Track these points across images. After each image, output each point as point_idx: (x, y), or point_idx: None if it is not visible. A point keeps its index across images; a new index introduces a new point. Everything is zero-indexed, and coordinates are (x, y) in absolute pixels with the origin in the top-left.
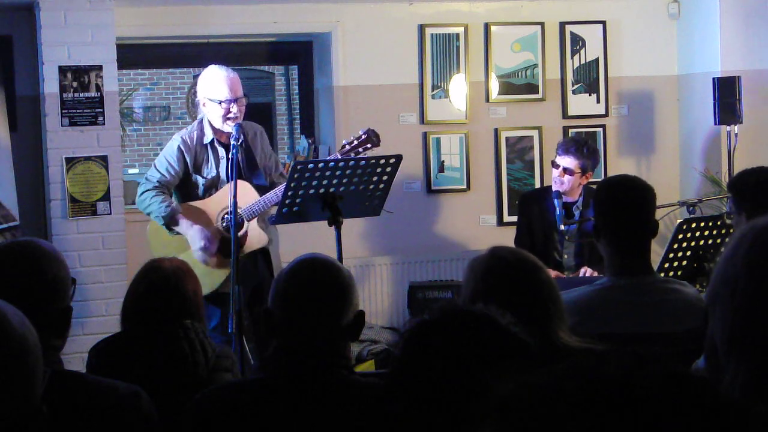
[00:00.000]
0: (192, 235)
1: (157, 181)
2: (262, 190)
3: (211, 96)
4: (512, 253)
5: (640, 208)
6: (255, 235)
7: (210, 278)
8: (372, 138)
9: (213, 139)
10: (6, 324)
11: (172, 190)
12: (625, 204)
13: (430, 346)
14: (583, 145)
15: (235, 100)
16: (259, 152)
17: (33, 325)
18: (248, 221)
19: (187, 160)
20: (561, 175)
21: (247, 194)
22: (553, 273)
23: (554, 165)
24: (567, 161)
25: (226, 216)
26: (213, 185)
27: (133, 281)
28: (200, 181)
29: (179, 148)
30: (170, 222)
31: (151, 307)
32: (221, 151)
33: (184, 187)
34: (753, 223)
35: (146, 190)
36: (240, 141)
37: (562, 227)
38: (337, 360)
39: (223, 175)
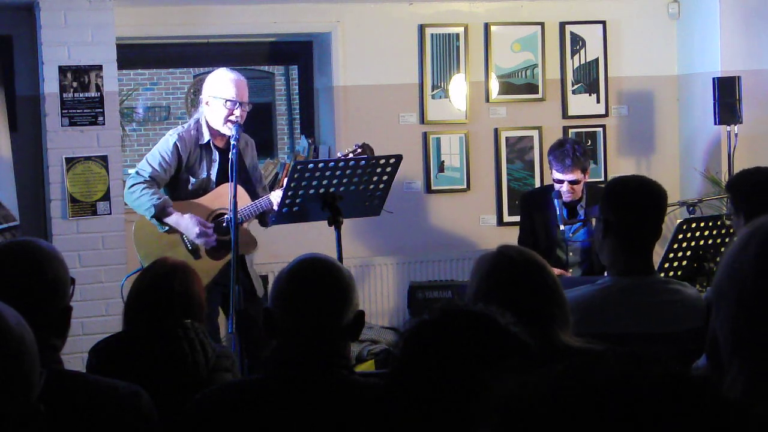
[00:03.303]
0: (185, 224)
1: (149, 176)
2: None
3: (217, 94)
4: (519, 252)
5: (656, 212)
6: (244, 239)
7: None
8: (367, 152)
9: (209, 141)
10: (3, 324)
11: (162, 186)
12: (642, 205)
13: (430, 346)
14: (575, 152)
15: (240, 104)
16: (248, 161)
17: (32, 325)
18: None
19: (182, 157)
20: (570, 189)
21: (240, 197)
22: (557, 271)
23: (558, 182)
24: (572, 176)
25: (225, 216)
26: (202, 187)
27: (135, 279)
28: (191, 180)
29: (175, 144)
30: (161, 214)
31: (153, 305)
32: (215, 154)
33: (172, 185)
34: (762, 222)
35: (136, 183)
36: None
37: (562, 227)
38: (337, 360)
39: (213, 177)
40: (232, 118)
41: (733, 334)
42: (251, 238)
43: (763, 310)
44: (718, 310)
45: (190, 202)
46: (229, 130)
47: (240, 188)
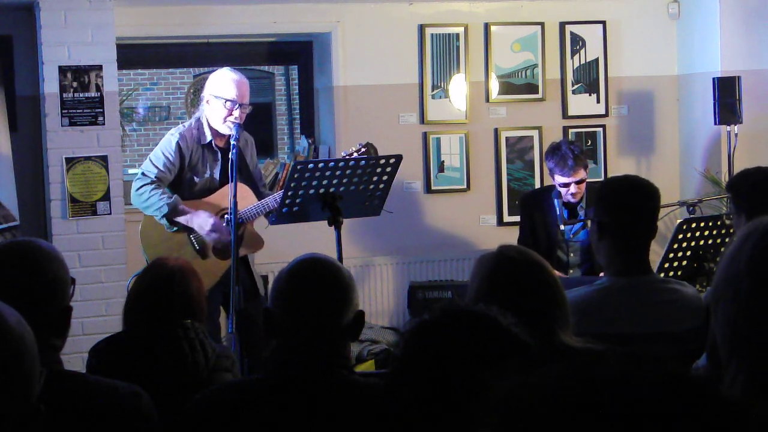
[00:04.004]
0: (198, 221)
1: (156, 177)
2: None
3: (218, 93)
4: (520, 252)
5: (649, 211)
6: (251, 238)
7: (205, 279)
8: (370, 151)
9: (211, 140)
10: (3, 323)
11: (166, 186)
12: (635, 205)
13: (430, 346)
14: (573, 152)
15: (240, 105)
16: (249, 160)
17: (32, 325)
18: (245, 223)
19: (185, 156)
20: (577, 190)
21: (247, 198)
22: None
23: (564, 185)
24: (577, 176)
25: (226, 215)
26: (206, 187)
27: (136, 279)
28: (195, 180)
29: (178, 143)
30: (172, 214)
31: (153, 305)
32: (218, 154)
33: (176, 186)
34: (757, 223)
35: (144, 185)
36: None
37: (562, 227)
38: (337, 360)
39: (217, 176)
40: (230, 118)
41: (731, 333)
42: (258, 237)
43: (759, 310)
44: (716, 310)
45: (198, 201)
46: (228, 129)
47: (247, 188)
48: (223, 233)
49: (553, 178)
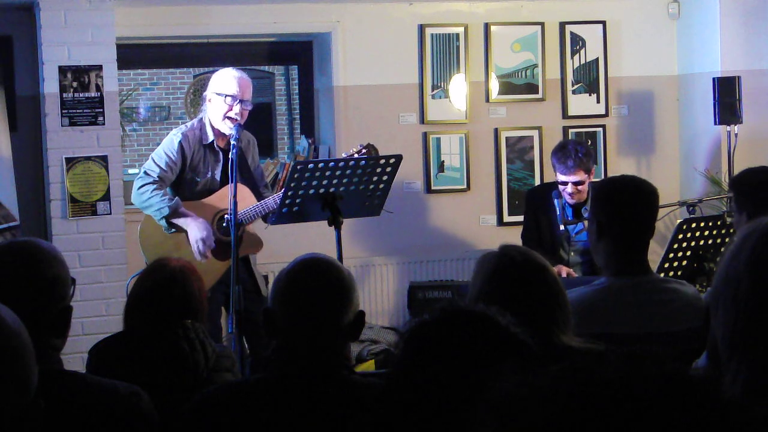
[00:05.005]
0: (193, 227)
1: (158, 176)
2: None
3: (218, 90)
4: (521, 253)
5: (647, 211)
6: (249, 240)
7: (205, 278)
8: (371, 152)
9: (213, 140)
10: (0, 321)
11: (168, 185)
12: (632, 205)
13: (430, 346)
14: (576, 153)
15: (241, 101)
16: (250, 161)
17: (32, 325)
18: (245, 225)
19: (187, 156)
20: (575, 190)
21: (246, 198)
22: (564, 271)
23: (563, 184)
24: (575, 176)
25: (225, 216)
26: (206, 188)
27: (138, 279)
28: (195, 180)
29: (180, 143)
30: (172, 215)
31: (155, 305)
32: (219, 155)
33: (177, 185)
34: (756, 223)
35: (145, 184)
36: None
37: (562, 227)
38: (337, 360)
39: (218, 177)
40: (231, 114)
41: (731, 333)
42: (257, 239)
43: (759, 310)
44: (716, 310)
45: (197, 202)
46: (228, 129)
47: (246, 189)
48: (207, 247)
49: (555, 174)
